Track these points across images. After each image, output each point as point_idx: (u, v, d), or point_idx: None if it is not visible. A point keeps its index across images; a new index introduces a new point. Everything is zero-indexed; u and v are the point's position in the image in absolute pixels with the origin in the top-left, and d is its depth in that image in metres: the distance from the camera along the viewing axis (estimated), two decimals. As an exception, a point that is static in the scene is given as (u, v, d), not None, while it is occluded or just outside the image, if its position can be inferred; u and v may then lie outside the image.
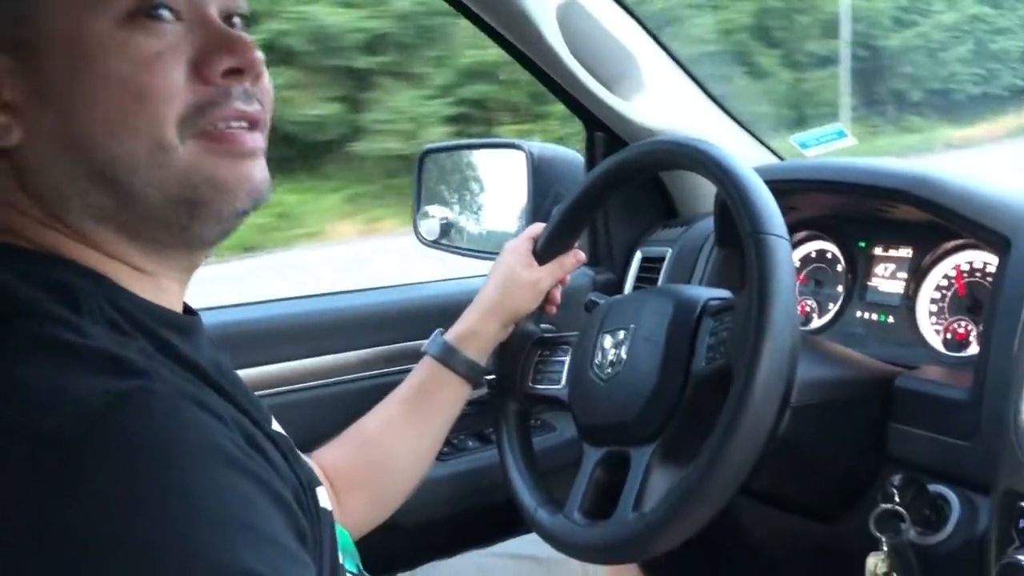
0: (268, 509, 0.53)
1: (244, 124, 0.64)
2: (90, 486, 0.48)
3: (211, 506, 0.50)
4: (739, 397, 0.80)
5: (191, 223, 0.62)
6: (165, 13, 0.60)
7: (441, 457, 1.35)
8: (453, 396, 1.09)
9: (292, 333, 1.31)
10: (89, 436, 0.49)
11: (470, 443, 1.40)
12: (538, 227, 1.16)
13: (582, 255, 1.16)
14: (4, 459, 0.48)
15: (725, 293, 0.98)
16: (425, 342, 1.12)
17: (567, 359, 1.08)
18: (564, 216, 1.12)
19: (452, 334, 1.10)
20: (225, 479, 0.51)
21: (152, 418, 0.51)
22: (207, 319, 0.72)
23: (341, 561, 0.80)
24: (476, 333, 1.10)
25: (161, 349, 0.59)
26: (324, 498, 0.74)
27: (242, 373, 0.88)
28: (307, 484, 0.66)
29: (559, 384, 1.08)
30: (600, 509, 0.94)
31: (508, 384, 1.13)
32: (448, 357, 1.08)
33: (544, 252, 1.13)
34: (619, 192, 1.10)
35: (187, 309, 0.72)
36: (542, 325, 1.19)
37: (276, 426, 0.74)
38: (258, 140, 0.65)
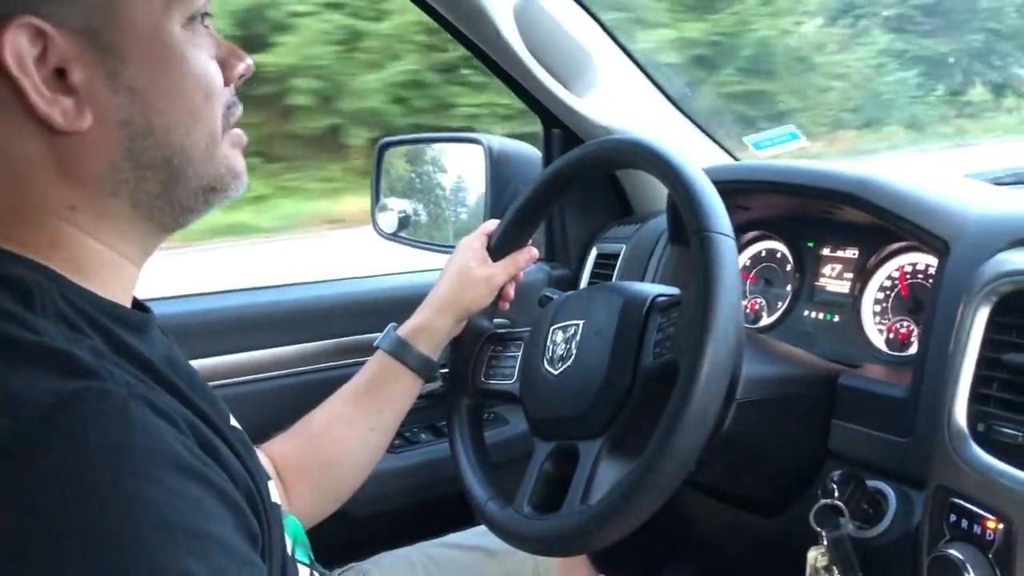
0: (218, 513, 0.54)
1: None
2: (33, 488, 0.48)
3: (157, 511, 0.50)
4: (684, 390, 0.82)
5: (201, 208, 0.68)
6: (207, 21, 0.67)
7: (394, 449, 1.36)
8: (404, 390, 1.09)
9: (245, 324, 1.31)
10: (35, 437, 0.49)
11: (423, 436, 1.41)
12: (493, 224, 1.17)
13: (535, 252, 1.17)
14: None
15: (674, 290, 0.99)
16: (379, 335, 1.13)
17: (519, 354, 1.10)
18: (518, 213, 1.13)
19: (405, 329, 1.11)
20: (174, 483, 0.52)
21: (101, 419, 0.51)
22: (158, 309, 0.73)
23: (292, 552, 0.80)
24: (429, 328, 1.11)
25: (114, 346, 0.59)
26: (274, 492, 0.75)
27: (194, 364, 0.88)
28: (260, 480, 0.67)
29: (511, 379, 1.09)
30: (549, 502, 0.96)
31: (460, 379, 1.14)
32: (400, 351, 1.09)
33: (498, 248, 1.14)
34: (573, 190, 1.12)
35: (138, 305, 0.72)
36: (496, 320, 1.20)
37: (232, 421, 0.74)
38: None
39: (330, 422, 1.06)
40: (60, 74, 0.59)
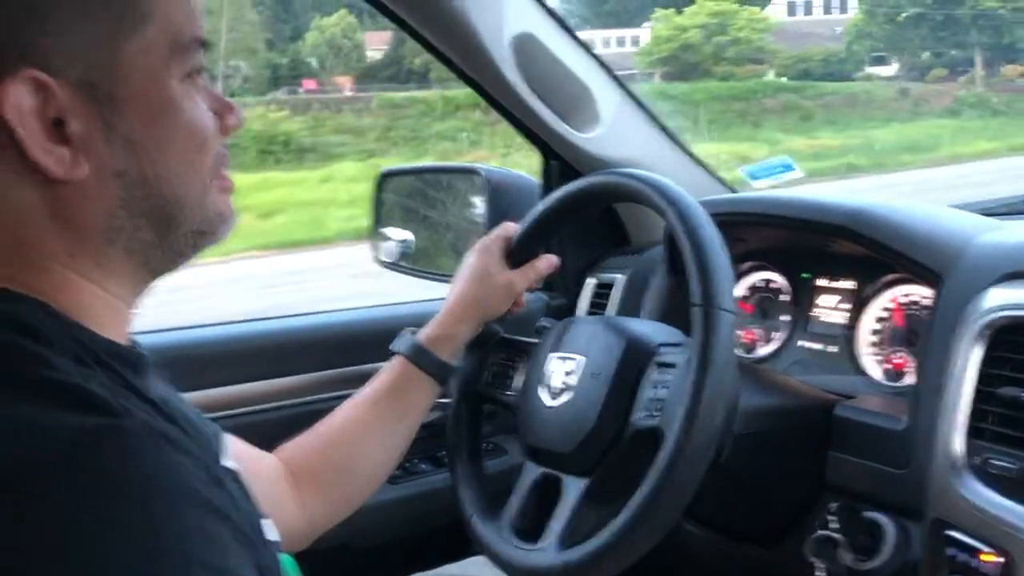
0: (233, 547, 0.54)
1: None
2: (55, 525, 0.48)
3: (178, 546, 0.50)
4: (664, 468, 0.85)
5: (192, 253, 0.70)
6: (202, 74, 0.69)
7: (393, 480, 1.36)
8: (424, 396, 1.08)
9: (240, 356, 1.32)
10: (55, 472, 0.50)
11: (422, 466, 1.41)
12: (510, 226, 1.15)
13: (555, 259, 1.16)
14: None
15: (677, 336, 0.99)
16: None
17: (522, 367, 1.10)
18: (538, 221, 1.12)
19: (425, 336, 1.08)
20: (193, 519, 0.52)
21: (121, 457, 0.52)
22: (153, 340, 0.73)
23: None
24: (450, 336, 1.09)
25: (120, 383, 0.60)
26: (270, 530, 0.75)
27: (188, 396, 0.88)
28: (258, 518, 0.67)
29: (512, 391, 1.10)
30: (530, 529, 0.98)
31: (467, 381, 1.14)
32: (420, 358, 1.07)
33: (517, 253, 1.13)
34: (595, 208, 1.13)
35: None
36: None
37: (227, 461, 0.74)
38: None
39: (347, 427, 1.04)
40: (58, 124, 0.60)
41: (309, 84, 19.81)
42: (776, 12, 23.67)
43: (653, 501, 0.85)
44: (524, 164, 1.62)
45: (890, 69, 21.71)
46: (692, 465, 0.85)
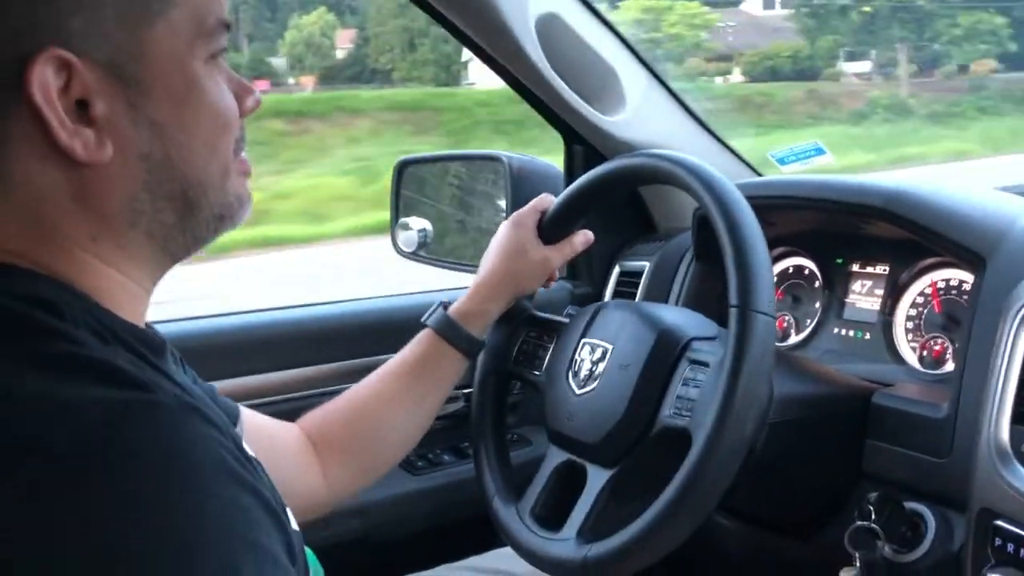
0: (266, 523, 0.54)
1: None
2: (92, 500, 0.48)
3: (215, 521, 0.50)
4: (691, 472, 0.83)
5: (211, 237, 0.69)
6: (224, 56, 0.68)
7: (416, 471, 1.35)
8: (452, 370, 1.07)
9: (263, 345, 1.30)
10: (90, 449, 0.49)
11: (446, 457, 1.40)
12: (547, 199, 1.13)
13: (591, 235, 1.14)
14: (6, 474, 0.48)
15: (710, 329, 0.97)
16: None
17: (551, 347, 1.08)
18: (573, 198, 1.10)
19: (457, 311, 1.08)
20: (228, 493, 0.52)
21: (155, 431, 0.51)
22: (172, 329, 0.72)
23: None
24: (482, 312, 1.08)
25: (144, 362, 0.59)
26: (292, 520, 0.74)
27: (217, 385, 0.87)
28: (282, 502, 0.66)
29: (539, 371, 1.08)
30: (551, 516, 0.97)
31: (494, 356, 1.12)
32: (451, 332, 1.06)
33: (551, 229, 1.11)
34: (628, 189, 1.09)
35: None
36: None
37: (248, 449, 0.73)
38: None
39: (373, 398, 1.04)
40: (82, 105, 0.59)
41: (262, 84, 19.64)
42: (752, 7, 23.00)
43: (679, 503, 0.83)
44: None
45: (864, 65, 21.06)
46: (720, 470, 0.83)
